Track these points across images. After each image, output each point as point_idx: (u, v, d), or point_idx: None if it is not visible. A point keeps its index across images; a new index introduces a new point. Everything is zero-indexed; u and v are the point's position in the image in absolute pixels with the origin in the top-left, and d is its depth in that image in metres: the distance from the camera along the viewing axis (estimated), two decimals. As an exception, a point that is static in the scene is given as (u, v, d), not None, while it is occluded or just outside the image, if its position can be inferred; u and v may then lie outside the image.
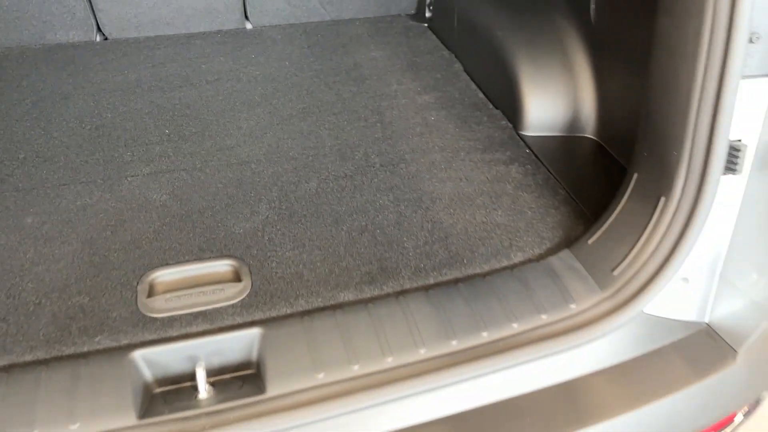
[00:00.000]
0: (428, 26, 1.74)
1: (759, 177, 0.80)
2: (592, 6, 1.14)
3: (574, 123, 1.21)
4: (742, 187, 0.81)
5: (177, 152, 1.19)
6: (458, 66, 1.52)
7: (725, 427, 0.92)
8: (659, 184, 0.83)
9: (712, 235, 0.83)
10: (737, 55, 0.72)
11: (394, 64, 1.54)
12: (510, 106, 1.27)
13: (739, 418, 0.91)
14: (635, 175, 0.89)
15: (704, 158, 0.78)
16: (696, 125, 0.78)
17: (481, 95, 1.39)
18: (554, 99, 1.22)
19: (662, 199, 0.82)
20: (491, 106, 1.35)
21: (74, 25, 1.61)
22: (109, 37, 1.66)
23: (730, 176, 0.79)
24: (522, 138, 1.23)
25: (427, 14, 1.76)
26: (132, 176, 1.12)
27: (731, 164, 0.79)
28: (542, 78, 1.23)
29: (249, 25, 1.76)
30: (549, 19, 1.25)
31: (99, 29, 1.65)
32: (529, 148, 1.20)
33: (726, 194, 0.80)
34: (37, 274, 0.91)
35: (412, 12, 1.83)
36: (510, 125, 1.27)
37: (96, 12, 1.61)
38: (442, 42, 1.64)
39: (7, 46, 1.60)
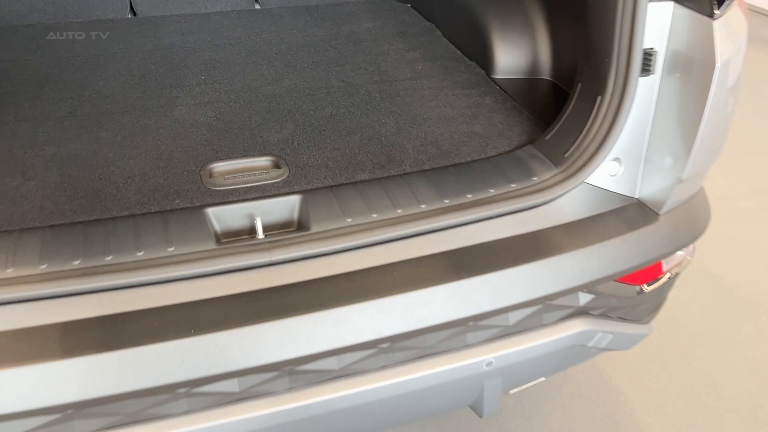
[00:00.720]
0: (411, 6, 2.04)
1: (668, 78, 1.08)
2: None
3: (534, 68, 1.50)
4: (656, 86, 1.09)
5: (214, 91, 1.46)
6: (438, 33, 1.81)
7: (656, 280, 1.19)
8: (596, 87, 1.11)
9: (637, 125, 1.10)
10: (645, -17, 1.00)
11: (384, 32, 1.82)
12: (482, 57, 1.56)
13: (666, 270, 1.19)
14: (579, 85, 1.17)
15: (627, 63, 1.06)
16: (620, 38, 1.06)
17: (458, 53, 1.68)
18: (518, 50, 1.51)
19: (599, 98, 1.10)
20: (467, 59, 1.64)
21: (110, 3, 1.87)
22: (139, 14, 1.91)
23: (646, 77, 1.08)
24: (493, 80, 1.51)
25: None
26: (180, 106, 1.38)
27: (646, 66, 1.07)
28: (508, 33, 1.52)
29: (257, 6, 2.03)
30: None
31: (131, 8, 1.91)
32: (499, 86, 1.48)
33: (644, 92, 1.08)
34: (119, 166, 1.16)
35: None
36: (483, 71, 1.56)
37: None
38: (424, 17, 1.93)
39: (53, 22, 1.85)
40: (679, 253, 1.20)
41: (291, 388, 0.95)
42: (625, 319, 1.20)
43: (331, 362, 0.95)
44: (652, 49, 1.06)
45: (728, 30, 1.01)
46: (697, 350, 1.80)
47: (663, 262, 1.17)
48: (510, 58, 1.51)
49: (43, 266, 0.88)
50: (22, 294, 0.85)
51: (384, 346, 0.97)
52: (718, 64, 0.99)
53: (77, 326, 0.84)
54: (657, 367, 1.74)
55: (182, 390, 0.88)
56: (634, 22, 1.03)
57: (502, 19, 1.53)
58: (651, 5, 1.03)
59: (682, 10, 1.03)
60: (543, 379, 1.27)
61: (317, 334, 0.89)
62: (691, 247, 1.22)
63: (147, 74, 1.53)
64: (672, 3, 1.03)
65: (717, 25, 0.99)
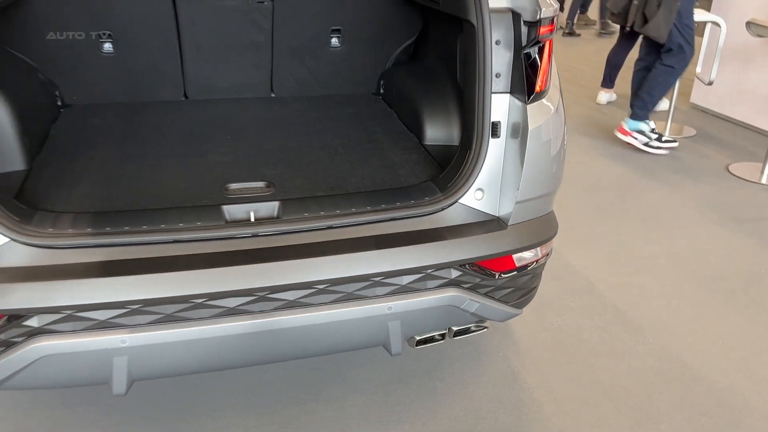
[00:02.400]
0: (381, 98, 2.79)
1: (510, 139, 1.75)
2: (459, 77, 2.16)
3: (448, 137, 2.19)
4: (503, 143, 1.76)
5: (235, 145, 2.18)
6: (395, 115, 2.56)
7: (509, 271, 1.80)
8: (467, 145, 1.79)
9: (492, 168, 1.76)
10: (488, 82, 1.70)
11: (358, 114, 2.56)
12: (418, 131, 2.28)
13: (518, 265, 1.80)
14: (460, 145, 1.85)
15: (482, 130, 1.74)
16: (478, 115, 1.74)
17: (404, 128, 2.40)
18: (439, 127, 2.22)
19: (468, 151, 1.77)
20: (409, 132, 2.36)
21: (171, 90, 2.65)
22: (190, 97, 2.69)
23: (495, 139, 1.75)
24: (423, 145, 2.22)
25: (381, 91, 2.82)
26: (212, 152, 2.10)
27: (495, 132, 1.74)
28: (434, 117, 2.24)
29: (273, 95, 2.80)
30: (441, 85, 2.27)
31: (185, 93, 2.69)
32: (425, 149, 2.18)
33: (495, 148, 1.75)
34: (171, 184, 1.86)
35: (374, 91, 2.88)
36: (417, 140, 2.26)
37: (185, 82, 2.66)
38: (388, 105, 2.68)
39: (129, 101, 2.62)
40: (527, 254, 1.82)
41: (262, 311, 1.57)
42: (492, 297, 1.81)
43: (287, 295, 1.58)
44: (498, 122, 1.74)
45: (538, 109, 1.70)
46: (591, 359, 2.37)
47: (514, 259, 1.80)
48: (434, 132, 2.22)
49: (126, 228, 1.55)
50: (98, 241, 1.51)
51: (321, 287, 1.59)
52: (530, 128, 1.67)
53: (143, 262, 1.49)
54: (557, 366, 2.31)
55: (198, 301, 1.51)
56: (484, 106, 1.72)
57: (431, 108, 2.26)
58: (494, 96, 1.72)
59: (513, 99, 1.72)
60: (440, 339, 1.86)
61: (281, 274, 1.53)
62: (537, 251, 1.84)
63: (192, 134, 2.26)
64: (508, 95, 1.73)
65: (530, 107, 1.68)
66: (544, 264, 1.92)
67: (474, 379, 2.24)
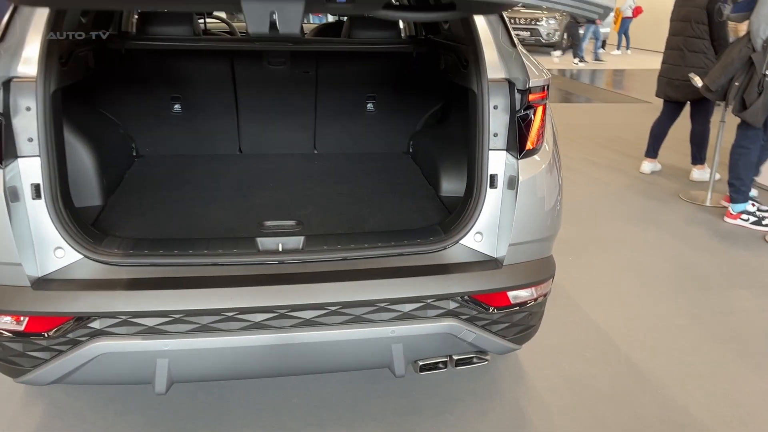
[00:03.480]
0: (411, 156, 3.11)
1: (506, 190, 2.00)
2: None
3: (461, 189, 2.45)
4: (500, 194, 2.01)
5: (277, 190, 2.51)
6: (419, 171, 2.85)
7: (505, 308, 2.01)
8: (470, 194, 2.05)
9: (491, 214, 2.00)
10: (486, 140, 1.97)
11: (387, 169, 2.88)
12: (435, 184, 2.56)
13: (513, 302, 2.00)
14: (465, 194, 2.11)
15: (480, 181, 2.00)
16: (478, 168, 2.00)
17: (425, 181, 2.69)
18: (454, 180, 2.49)
19: (469, 199, 2.03)
20: (428, 185, 2.64)
21: (228, 145, 3.06)
22: (243, 152, 3.08)
23: (493, 189, 2.00)
24: (438, 196, 2.49)
25: (410, 150, 3.14)
26: (257, 196, 2.44)
27: (493, 183, 2.00)
28: (448, 173, 2.51)
29: (315, 151, 3.16)
30: (457, 145, 2.56)
31: (240, 148, 3.09)
32: (440, 199, 2.45)
33: (492, 197, 2.00)
34: (218, 218, 2.19)
35: (405, 150, 3.21)
36: (434, 191, 2.54)
37: (240, 139, 3.06)
38: (414, 162, 3.00)
39: (193, 154, 3.04)
40: (523, 292, 2.02)
41: (282, 327, 1.84)
42: (488, 330, 2.01)
43: (305, 314, 1.85)
44: (496, 174, 1.99)
45: (529, 164, 1.95)
46: (600, 405, 2.50)
47: (509, 296, 2.01)
48: (448, 185, 2.50)
49: (175, 251, 1.88)
50: (151, 260, 1.83)
51: (333, 309, 1.85)
52: (521, 180, 1.92)
53: (187, 279, 1.81)
54: (565, 410, 2.46)
55: (229, 314, 1.80)
56: (483, 161, 1.98)
57: (446, 164, 2.55)
58: (492, 152, 1.98)
59: (508, 155, 1.98)
60: (443, 367, 2.07)
61: (300, 295, 1.80)
62: (532, 291, 2.04)
63: (242, 181, 2.62)
64: (504, 152, 1.99)
65: (521, 162, 1.94)
66: (541, 304, 2.12)
67: (482, 414, 2.40)
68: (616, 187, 5.29)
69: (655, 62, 6.15)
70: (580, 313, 3.16)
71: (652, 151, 5.61)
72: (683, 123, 5.45)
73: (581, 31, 14.71)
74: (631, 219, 4.55)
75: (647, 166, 5.66)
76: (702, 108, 5.15)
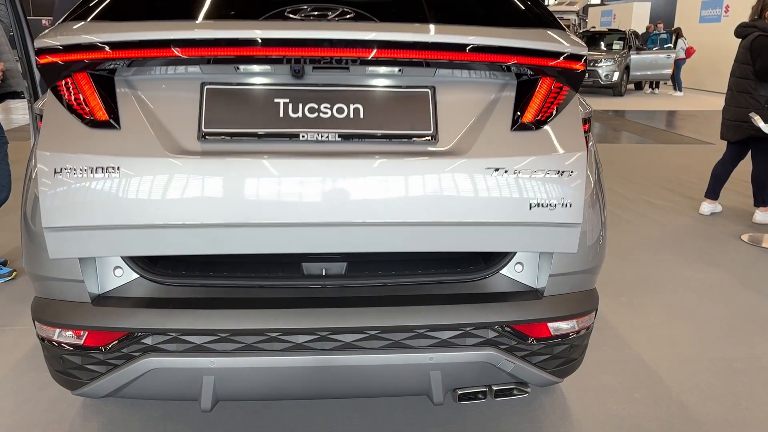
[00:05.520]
0: None
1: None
2: None
3: None
4: (541, 225, 2.02)
5: None
6: None
7: (545, 339, 2.00)
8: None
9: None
10: (527, 171, 2.00)
11: None
12: None
13: (554, 334, 1.99)
14: None
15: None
16: (520, 199, 2.03)
17: None
18: None
19: None
20: None
21: None
22: None
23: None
24: None
25: None
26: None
27: (533, 214, 2.02)
28: None
29: None
30: None
31: None
32: None
33: (534, 227, 2.02)
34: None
35: None
36: None
37: None
38: None
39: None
40: (564, 324, 2.01)
41: (323, 349, 1.89)
42: (528, 361, 2.01)
43: (345, 337, 1.89)
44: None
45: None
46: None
47: (550, 328, 2.00)
48: None
49: (224, 273, 1.97)
50: (202, 281, 1.92)
51: (372, 333, 1.89)
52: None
53: (234, 300, 1.88)
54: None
55: (273, 334, 1.87)
56: None
57: None
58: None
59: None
60: (483, 398, 2.06)
61: (341, 318, 1.85)
62: (574, 323, 2.03)
63: None
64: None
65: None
66: (584, 337, 2.09)
67: (524, 450, 2.37)
68: (673, 227, 5.17)
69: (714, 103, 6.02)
70: (631, 352, 3.09)
71: (712, 192, 5.48)
72: (748, 164, 5.31)
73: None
74: (687, 259, 4.43)
75: (707, 207, 5.51)
76: (763, 148, 5.02)
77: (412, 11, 2.02)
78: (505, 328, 1.94)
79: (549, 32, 1.90)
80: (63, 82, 1.77)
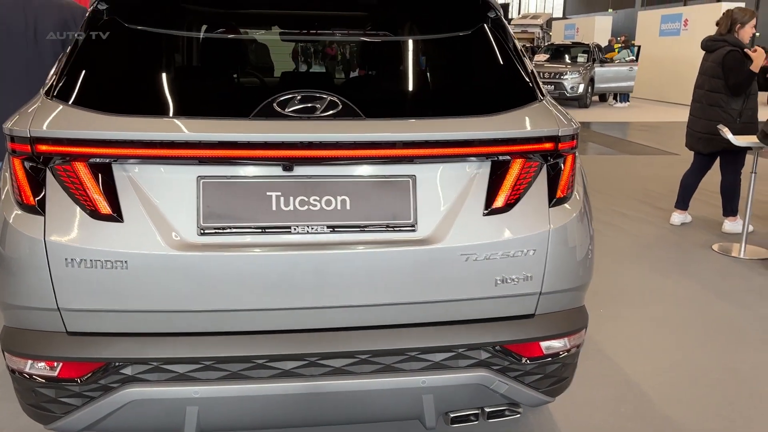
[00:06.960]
0: None
1: (537, 239, 1.99)
2: None
3: None
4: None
5: None
6: None
7: (537, 358, 1.97)
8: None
9: (521, 263, 2.00)
10: (516, 189, 1.98)
11: None
12: None
13: (546, 353, 1.96)
14: None
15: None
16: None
17: None
18: None
19: None
20: None
21: None
22: None
23: (524, 238, 2.00)
24: None
25: None
26: None
27: (523, 232, 2.00)
28: None
29: None
30: None
31: None
32: None
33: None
34: None
35: None
36: None
37: None
38: None
39: None
40: (556, 343, 1.99)
41: (312, 375, 1.82)
42: (521, 381, 1.97)
43: (334, 362, 1.83)
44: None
45: (560, 213, 1.92)
46: None
47: (542, 347, 1.97)
48: None
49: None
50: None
51: (362, 357, 1.83)
52: (552, 228, 1.91)
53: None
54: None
55: (259, 361, 1.80)
56: None
57: None
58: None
59: (538, 204, 1.98)
60: (475, 420, 2.02)
61: (329, 342, 1.79)
62: (565, 341, 2.00)
63: None
64: (534, 200, 1.99)
65: (552, 210, 1.93)
66: (575, 355, 2.07)
67: (514, 470, 2.34)
68: (644, 238, 5.23)
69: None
70: (613, 366, 3.09)
71: (682, 203, 5.57)
72: (715, 175, 5.41)
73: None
74: (661, 270, 4.48)
75: (677, 217, 5.60)
76: (732, 160, 5.13)
77: (397, 102, 2.08)
78: (498, 349, 1.91)
79: (530, 116, 1.92)
80: (62, 168, 1.72)
